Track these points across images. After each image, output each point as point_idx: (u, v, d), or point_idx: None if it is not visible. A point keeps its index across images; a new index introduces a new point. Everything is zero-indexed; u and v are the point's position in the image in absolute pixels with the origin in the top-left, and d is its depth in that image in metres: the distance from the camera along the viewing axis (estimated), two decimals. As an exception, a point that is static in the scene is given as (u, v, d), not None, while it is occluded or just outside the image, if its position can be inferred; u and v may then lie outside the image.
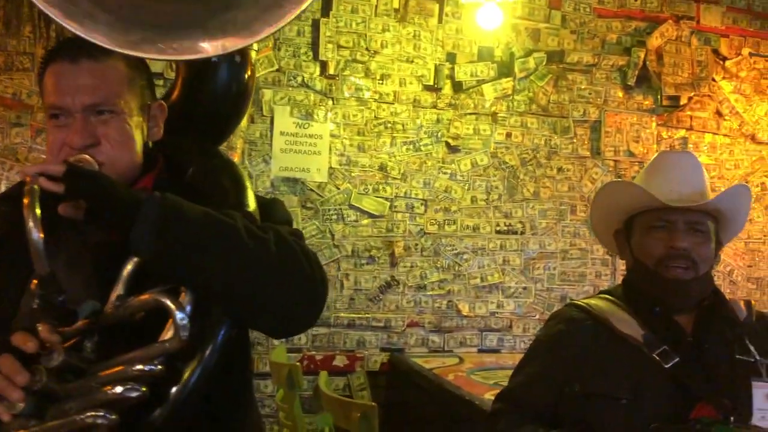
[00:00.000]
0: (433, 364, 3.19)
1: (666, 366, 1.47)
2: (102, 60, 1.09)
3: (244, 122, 3.24)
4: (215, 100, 1.35)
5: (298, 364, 2.70)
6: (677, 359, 1.47)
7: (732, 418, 1.37)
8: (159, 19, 1.04)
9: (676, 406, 1.45)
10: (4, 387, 0.91)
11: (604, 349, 1.54)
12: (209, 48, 1.04)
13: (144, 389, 0.92)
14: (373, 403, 2.07)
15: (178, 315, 0.93)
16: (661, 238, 1.54)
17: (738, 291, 4.08)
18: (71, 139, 1.06)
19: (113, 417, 0.90)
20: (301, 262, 1.06)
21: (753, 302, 1.69)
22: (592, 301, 1.66)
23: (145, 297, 0.95)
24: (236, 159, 3.21)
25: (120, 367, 0.94)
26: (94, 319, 0.96)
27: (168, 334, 0.95)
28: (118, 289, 0.97)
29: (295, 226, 3.28)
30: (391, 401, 3.42)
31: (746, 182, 4.09)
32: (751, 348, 1.53)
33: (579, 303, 1.67)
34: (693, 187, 1.57)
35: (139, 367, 0.92)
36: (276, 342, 3.19)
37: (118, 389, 0.91)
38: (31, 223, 0.94)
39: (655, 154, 1.72)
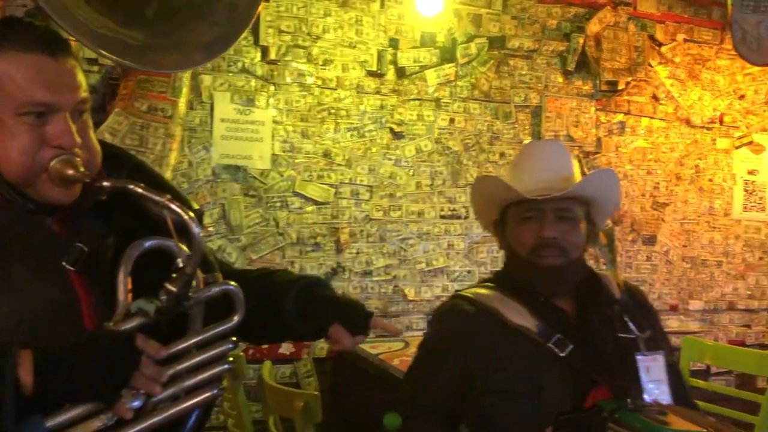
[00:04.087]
0: (379, 349, 3.21)
1: (562, 354, 1.50)
2: (73, 56, 1.06)
3: (182, 109, 3.18)
4: None
5: (241, 354, 2.68)
6: (572, 347, 1.50)
7: (629, 400, 1.39)
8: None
9: (574, 392, 1.48)
10: (150, 386, 0.97)
11: (501, 344, 1.54)
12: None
13: (232, 361, 1.08)
14: (316, 392, 2.07)
15: (242, 296, 1.10)
16: (531, 228, 1.58)
17: (674, 270, 4.23)
18: (66, 140, 1.01)
19: (223, 387, 1.06)
20: None
21: (617, 274, 1.74)
22: (481, 291, 1.65)
23: (215, 288, 1.09)
24: (175, 147, 3.15)
25: (212, 349, 1.05)
26: (155, 316, 1.02)
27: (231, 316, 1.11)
28: (124, 289, 1.03)
29: (238, 214, 3.38)
30: (338, 387, 3.43)
31: (681, 164, 4.23)
32: (630, 325, 1.57)
33: (467, 295, 1.65)
34: (557, 174, 1.60)
35: (228, 345, 1.06)
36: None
37: (225, 366, 1.05)
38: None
39: (525, 144, 1.76)
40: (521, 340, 1.53)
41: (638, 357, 1.53)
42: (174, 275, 1.01)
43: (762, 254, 4.47)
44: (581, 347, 1.51)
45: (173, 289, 1.00)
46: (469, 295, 1.65)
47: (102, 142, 1.18)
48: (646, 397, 1.47)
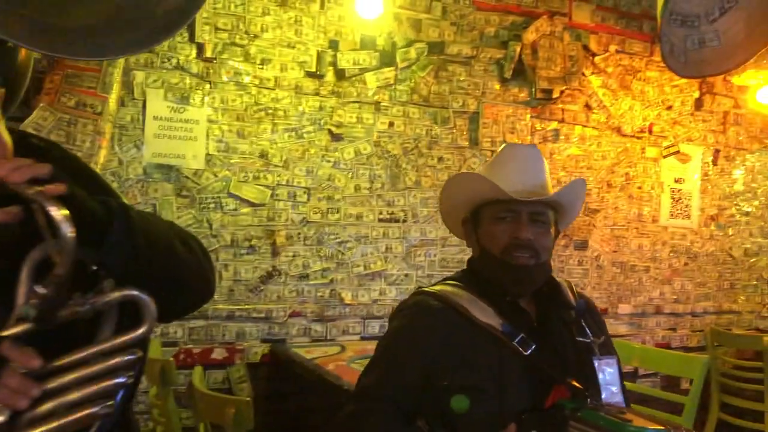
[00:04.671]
0: (314, 354, 3.17)
1: (525, 354, 1.53)
2: None
3: (113, 106, 3.07)
4: None
5: (171, 359, 2.59)
6: (534, 346, 1.54)
7: (589, 400, 1.44)
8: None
9: (535, 390, 1.51)
10: (13, 399, 0.90)
11: (467, 341, 1.57)
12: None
13: (132, 375, 0.99)
14: (248, 398, 2.02)
15: (152, 305, 1.01)
16: (505, 228, 1.61)
17: (604, 275, 4.34)
18: None
19: (112, 403, 0.97)
20: (208, 252, 1.26)
21: (572, 283, 1.80)
22: (446, 288, 1.67)
23: (117, 293, 1.00)
24: (105, 144, 3.04)
25: (106, 361, 0.98)
26: (38, 323, 0.94)
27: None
28: (24, 293, 0.95)
29: (170, 215, 3.22)
30: (272, 393, 3.37)
31: (612, 172, 4.36)
32: (587, 330, 1.63)
33: (434, 291, 1.68)
34: (536, 180, 1.66)
35: (126, 357, 0.98)
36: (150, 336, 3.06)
37: (120, 379, 0.97)
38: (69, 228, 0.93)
39: (502, 146, 1.79)
40: (486, 338, 1.55)
41: (594, 360, 1.58)
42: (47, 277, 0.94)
43: (687, 260, 4.65)
44: (543, 348, 1.55)
45: (42, 291, 0.93)
46: (436, 291, 1.66)
47: (26, 134, 1.12)
48: (605, 397, 1.52)
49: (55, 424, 0.93)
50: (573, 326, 1.63)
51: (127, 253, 1.01)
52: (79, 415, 0.94)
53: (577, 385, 1.47)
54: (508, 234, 1.60)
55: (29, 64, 1.30)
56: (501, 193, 1.59)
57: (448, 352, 1.55)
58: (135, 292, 1.01)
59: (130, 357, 0.99)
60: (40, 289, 0.93)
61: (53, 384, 0.93)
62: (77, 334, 0.99)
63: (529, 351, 1.53)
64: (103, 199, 1.04)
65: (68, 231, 0.91)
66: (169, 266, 1.12)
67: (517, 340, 1.54)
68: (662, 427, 1.28)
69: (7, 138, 1.03)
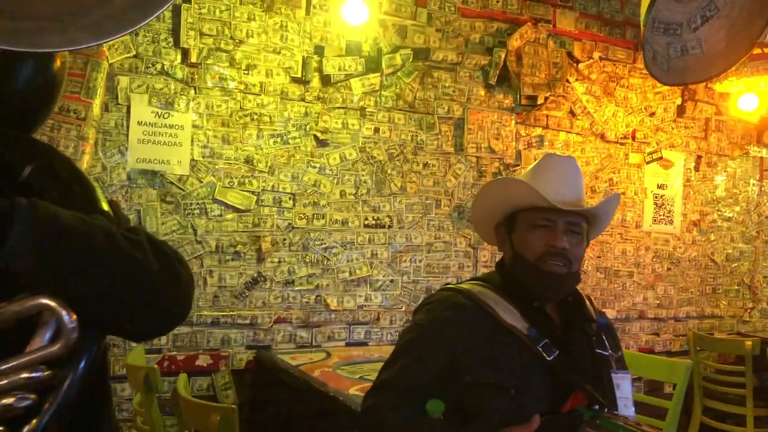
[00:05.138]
0: (300, 360, 3.16)
1: (548, 359, 1.56)
2: None
3: (96, 111, 3.05)
4: (18, 93, 1.17)
5: (155, 366, 2.57)
6: (557, 352, 1.57)
7: (606, 409, 1.48)
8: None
9: (554, 395, 1.54)
10: None
11: (493, 340, 1.59)
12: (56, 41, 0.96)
13: (33, 397, 0.87)
14: (233, 405, 2.01)
15: (67, 317, 0.88)
16: (541, 236, 1.64)
17: (588, 280, 4.37)
18: None
19: (2, 429, 0.87)
20: (175, 265, 1.05)
21: (592, 298, 1.84)
22: (476, 288, 1.70)
23: (27, 302, 0.88)
24: (88, 150, 3.01)
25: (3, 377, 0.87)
26: None
27: (39, 337, 0.90)
28: None
29: (154, 221, 3.12)
30: (257, 399, 3.36)
31: (596, 178, 4.39)
32: (606, 343, 1.68)
33: (461, 288, 1.70)
34: (574, 191, 1.69)
35: (26, 375, 0.87)
36: (134, 343, 3.03)
37: (8, 400, 0.86)
38: None
39: (542, 156, 1.82)
40: (510, 339, 1.58)
41: (613, 374, 1.63)
42: None
43: (670, 265, 4.69)
44: (562, 354, 1.58)
45: None
46: (462, 288, 1.68)
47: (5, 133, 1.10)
48: (620, 410, 1.55)
49: None
50: (593, 339, 1.67)
51: (31, 255, 0.88)
52: None
53: (596, 394, 1.49)
54: (544, 241, 1.63)
55: (64, 73, 1.25)
56: (543, 201, 1.62)
57: (472, 348, 1.58)
58: (45, 302, 0.88)
59: (33, 375, 0.87)
60: None
61: None
62: (9, 347, 0.90)
63: (552, 357, 1.56)
64: (15, 200, 0.91)
65: None
66: (94, 274, 0.95)
67: (541, 345, 1.57)
68: None
69: None
